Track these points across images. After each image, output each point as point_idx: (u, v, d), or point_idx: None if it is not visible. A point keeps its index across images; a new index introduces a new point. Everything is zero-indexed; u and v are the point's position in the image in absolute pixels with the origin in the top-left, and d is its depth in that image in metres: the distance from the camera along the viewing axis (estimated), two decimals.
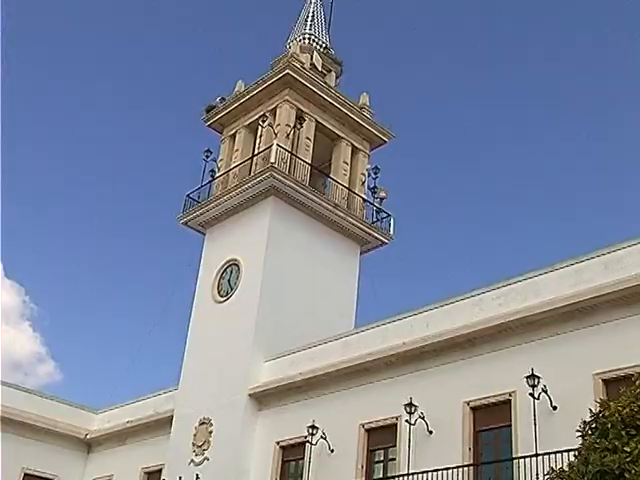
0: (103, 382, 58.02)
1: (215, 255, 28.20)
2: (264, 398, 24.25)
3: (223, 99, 30.55)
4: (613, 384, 15.99)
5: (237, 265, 27.02)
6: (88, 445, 31.04)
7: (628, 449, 7.50)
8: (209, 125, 30.95)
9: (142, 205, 61.02)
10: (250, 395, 24.25)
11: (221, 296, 27.06)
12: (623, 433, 7.80)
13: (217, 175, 29.43)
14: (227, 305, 26.58)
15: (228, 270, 27.36)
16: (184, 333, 27.76)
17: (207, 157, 29.86)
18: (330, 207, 27.70)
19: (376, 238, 28.96)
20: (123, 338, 59.60)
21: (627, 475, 7.30)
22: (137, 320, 60.11)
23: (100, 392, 58.63)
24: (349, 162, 29.54)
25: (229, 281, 27.09)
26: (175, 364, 27.72)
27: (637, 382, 8.48)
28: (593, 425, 8.44)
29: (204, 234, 29.33)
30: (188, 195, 29.48)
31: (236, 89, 30.40)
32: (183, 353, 27.35)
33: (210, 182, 29.41)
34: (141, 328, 60.06)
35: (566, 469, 8.58)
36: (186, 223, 29.40)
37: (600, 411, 8.45)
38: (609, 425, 8.10)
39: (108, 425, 30.54)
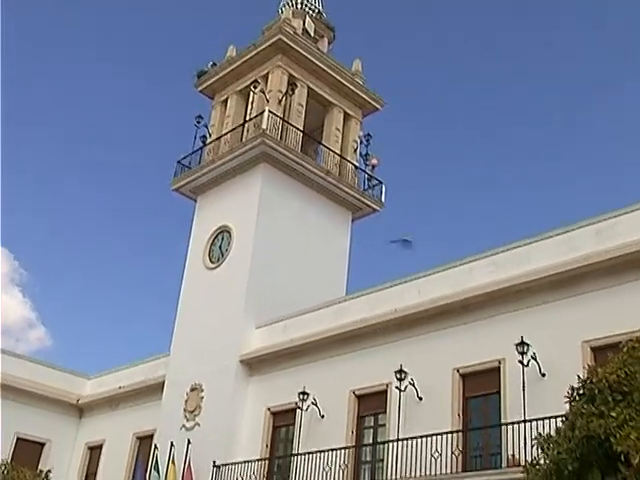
0: (94, 348, 58.20)
1: (206, 221, 28.15)
2: (255, 364, 24.37)
3: (214, 64, 30.28)
4: (601, 351, 16.10)
5: (228, 232, 26.99)
6: (80, 410, 31.19)
7: (614, 414, 7.56)
8: (200, 91, 30.72)
9: (133, 171, 60.80)
10: (241, 361, 24.36)
11: (212, 262, 27.07)
12: (610, 399, 7.86)
13: (208, 141, 29.27)
14: (218, 272, 26.59)
15: (219, 237, 27.33)
16: (175, 299, 27.84)
17: (198, 123, 29.66)
18: (322, 174, 27.62)
19: (367, 205, 28.94)
20: (114, 304, 59.75)
21: (612, 440, 7.37)
22: (128, 286, 60.20)
23: (91, 358, 58.95)
24: (341, 129, 29.41)
25: (220, 248, 27.08)
26: (167, 330, 27.84)
27: (625, 349, 8.53)
28: (581, 391, 8.50)
29: (195, 200, 29.24)
30: (179, 161, 29.37)
31: (228, 54, 30.14)
32: (174, 319, 27.42)
33: (201, 148, 29.26)
34: (132, 294, 60.03)
35: (553, 434, 8.64)
36: (177, 189, 29.29)
37: (588, 377, 8.50)
38: (596, 391, 8.16)
39: (100, 390, 30.66)
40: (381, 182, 29.29)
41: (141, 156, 60.62)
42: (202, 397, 24.63)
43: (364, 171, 29.34)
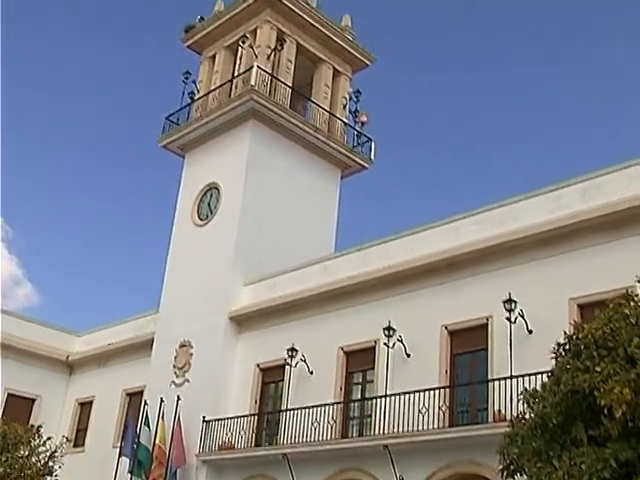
0: (82, 305, 58.20)
1: (195, 179, 28.01)
2: (244, 321, 24.48)
3: (202, 19, 29.85)
4: (588, 308, 16.23)
5: (217, 189, 26.89)
6: (70, 367, 31.35)
7: (599, 369, 7.65)
8: (188, 46, 30.31)
9: (122, 127, 60.28)
10: (230, 318, 24.46)
11: (201, 220, 27.01)
12: (595, 354, 7.94)
13: (196, 97, 28.98)
14: (207, 229, 26.55)
15: (208, 194, 27.24)
16: (164, 256, 27.82)
17: (186, 79, 29.29)
18: (311, 131, 27.45)
19: (356, 162, 28.83)
20: (102, 261, 59.73)
21: (597, 394, 7.46)
22: (116, 243, 60.11)
23: (80, 315, 59.05)
24: (330, 85, 29.16)
25: (209, 205, 27.00)
26: (156, 287, 27.87)
27: (610, 305, 8.59)
28: (566, 347, 8.58)
29: (184, 157, 29.06)
30: (167, 118, 29.11)
31: (215, 9, 29.70)
32: (163, 276, 27.43)
33: (189, 105, 28.97)
34: (120, 251, 59.94)
35: (539, 390, 8.74)
36: (165, 146, 29.08)
37: (574, 333, 8.58)
38: (582, 347, 8.24)
39: (89, 347, 30.78)
40: (370, 139, 29.18)
41: (129, 112, 60.07)
42: (191, 354, 24.76)
43: (353, 128, 29.19)
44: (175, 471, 22.61)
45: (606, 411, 7.34)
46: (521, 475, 8.43)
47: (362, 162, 28.92)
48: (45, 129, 59.88)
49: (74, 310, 58.47)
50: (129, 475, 23.69)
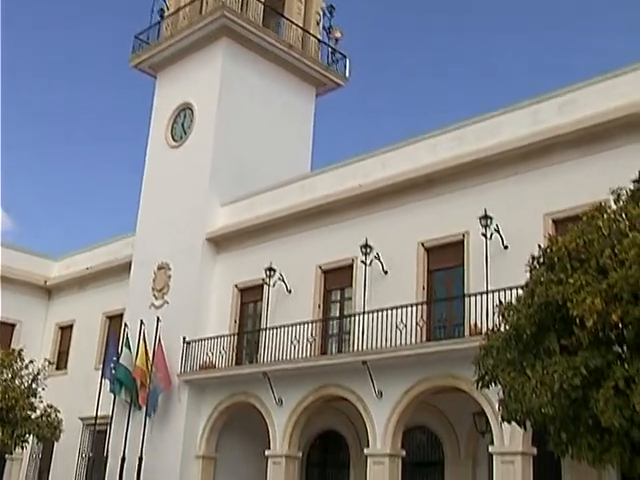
0: (58, 230, 57.86)
1: (167, 99, 27.51)
2: (221, 242, 24.48)
3: None
4: (563, 223, 16.34)
5: (190, 109, 26.47)
6: (48, 291, 31.37)
7: (572, 281, 7.75)
8: None
9: (90, 47, 58.83)
10: (208, 239, 24.44)
11: (175, 141, 26.66)
12: (568, 266, 8.03)
13: (166, 15, 28.22)
14: (181, 150, 26.25)
15: (181, 114, 26.82)
16: (140, 178, 27.54)
17: None
18: (284, 48, 26.92)
19: (331, 80, 28.42)
20: (76, 185, 59.10)
21: (569, 305, 7.58)
22: (91, 166, 59.43)
23: (55, 240, 58.71)
24: (303, 1, 28.47)
25: (183, 125, 26.61)
26: (132, 210, 27.68)
27: (584, 218, 8.65)
28: (541, 260, 8.66)
29: (155, 77, 28.48)
30: (137, 36, 28.38)
31: None
32: (139, 199, 27.22)
33: (159, 22, 28.24)
34: (95, 174, 59.30)
35: (514, 302, 8.85)
36: (136, 66, 28.44)
37: (548, 247, 8.64)
38: (556, 259, 8.32)
39: (67, 272, 30.76)
40: (345, 56, 28.67)
41: (97, 30, 58.54)
42: (170, 276, 24.80)
43: (327, 45, 28.64)
44: (158, 394, 22.93)
45: (578, 321, 7.47)
46: (495, 385, 8.62)
47: (337, 80, 28.50)
48: (13, 54, 58.32)
49: (49, 235, 58.20)
50: (112, 395, 24.04)
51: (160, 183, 26.44)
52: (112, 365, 23.96)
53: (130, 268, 26.51)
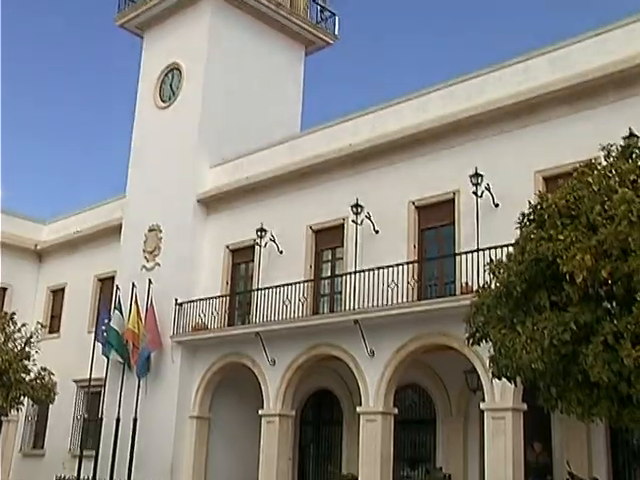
0: (46, 194, 57.52)
1: (155, 59, 27.19)
2: (212, 203, 24.41)
3: None
4: (553, 181, 16.33)
5: (178, 69, 26.18)
6: (39, 255, 31.29)
7: (562, 237, 7.75)
8: None
9: (75, 6, 57.89)
10: (198, 201, 24.36)
11: (163, 102, 26.41)
12: (558, 223, 8.03)
13: None
14: (170, 111, 26.02)
15: (169, 75, 26.52)
16: (128, 141, 27.35)
17: None
18: (272, 6, 26.56)
19: (320, 38, 28.12)
20: (64, 148, 58.62)
21: (559, 261, 7.59)
22: (78, 128, 58.92)
23: (44, 204, 58.37)
24: None
25: (171, 86, 26.34)
26: (121, 172, 27.52)
27: (574, 175, 8.63)
28: (531, 217, 8.66)
29: (142, 37, 28.11)
30: None
31: None
32: (128, 161, 27.05)
33: None
34: (83, 137, 58.82)
35: (504, 259, 8.87)
36: (122, 25, 28.05)
37: (538, 203, 8.63)
38: (546, 216, 8.32)
39: (57, 235, 30.63)
40: (334, 14, 28.33)
41: None
42: (161, 238, 24.76)
43: (316, 2, 28.28)
44: (148, 355, 23.03)
45: (568, 277, 7.49)
46: (486, 342, 8.67)
47: (326, 38, 28.21)
48: None
49: (39, 199, 57.88)
50: (105, 358, 24.15)
51: (149, 144, 26.26)
52: (104, 328, 24.03)
53: (121, 231, 26.44)
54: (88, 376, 24.52)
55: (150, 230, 25.08)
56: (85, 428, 25.00)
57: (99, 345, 24.35)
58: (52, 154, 59.48)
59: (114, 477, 22.68)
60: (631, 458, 17.74)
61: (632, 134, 8.68)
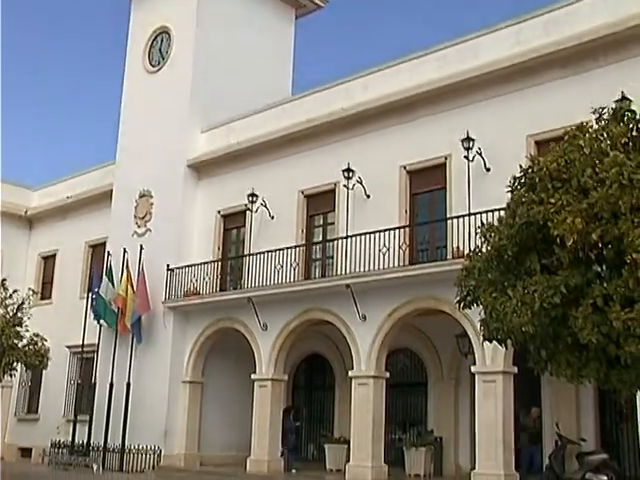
0: (35, 160, 57.14)
1: (144, 23, 26.88)
2: (203, 168, 24.31)
3: None
4: (545, 145, 16.27)
5: (167, 33, 25.90)
6: (29, 221, 31.16)
7: (553, 200, 7.73)
8: None
9: None
10: (189, 166, 24.26)
11: (153, 66, 26.16)
12: (549, 186, 8.01)
13: None
14: (160, 75, 25.78)
15: (158, 38, 26.24)
16: (118, 106, 27.11)
17: None
18: None
19: (311, 1, 27.84)
20: (53, 113, 58.12)
21: (550, 224, 7.58)
22: (67, 93, 58.38)
23: (33, 170, 58.01)
24: None
25: (160, 50, 26.08)
26: (111, 138, 27.34)
27: (565, 138, 8.59)
28: (522, 180, 8.63)
29: (131, 0, 27.73)
30: None
31: None
32: (118, 126, 26.84)
33: None
34: (72, 102, 58.30)
35: (496, 223, 8.86)
36: None
37: (529, 167, 8.60)
38: (537, 180, 8.29)
39: (47, 201, 30.49)
40: None
41: None
42: (152, 203, 24.67)
43: None
44: (139, 318, 23.06)
45: (558, 241, 7.49)
46: (477, 305, 8.69)
47: (317, 1, 27.96)
48: None
49: (27, 164, 57.48)
50: (97, 325, 24.22)
51: (139, 109, 26.05)
52: (94, 296, 24.03)
53: (111, 196, 26.33)
54: (81, 342, 24.60)
55: (141, 196, 24.99)
56: (79, 393, 25.13)
57: (91, 311, 24.37)
58: (40, 120, 59.02)
59: (108, 441, 22.86)
60: (618, 419, 17.99)
61: (624, 97, 8.63)
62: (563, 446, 17.29)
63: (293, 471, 20.45)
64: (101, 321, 23.93)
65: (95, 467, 22.32)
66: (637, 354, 7.19)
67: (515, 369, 16.52)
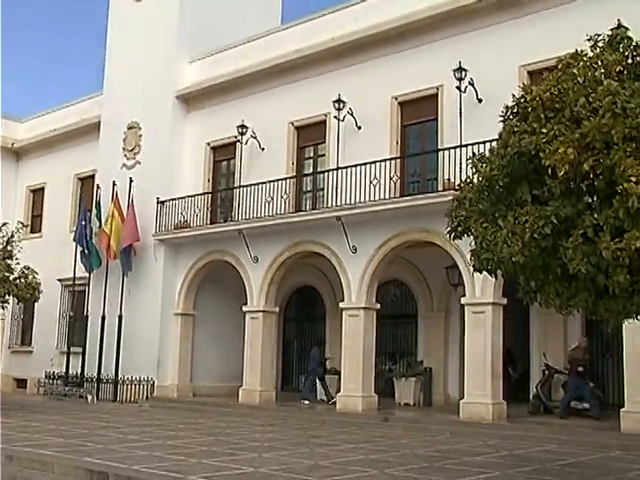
0: (21, 91, 56.22)
1: None
2: (192, 100, 24.00)
3: None
4: (538, 75, 16.04)
5: None
6: (16, 154, 30.82)
7: (545, 130, 7.61)
8: None
9: None
10: (177, 97, 23.95)
11: None
12: (542, 116, 7.88)
13: None
14: (146, 4, 25.20)
15: None
16: (104, 36, 26.54)
17: None
18: None
19: None
20: (39, 45, 57.00)
21: (542, 154, 7.49)
22: (52, 22, 57.19)
23: (19, 101, 57.16)
24: None
25: None
26: (98, 69, 26.86)
27: (559, 66, 8.43)
28: (514, 110, 8.50)
29: None
30: None
31: None
32: (105, 57, 26.35)
33: None
34: (57, 32, 57.15)
35: (487, 154, 8.76)
36: None
37: (522, 96, 8.46)
38: (529, 109, 8.15)
39: (34, 133, 30.09)
40: None
41: None
42: (140, 135, 24.42)
43: None
44: (127, 249, 22.99)
45: (550, 171, 7.42)
46: (468, 236, 8.66)
47: None
48: None
49: (13, 95, 56.64)
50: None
51: (126, 39, 25.54)
52: (83, 229, 23.91)
53: (99, 129, 26.01)
54: (72, 275, 24.64)
55: (129, 128, 24.71)
56: (71, 326, 25.28)
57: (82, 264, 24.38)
58: (27, 50, 57.89)
59: (101, 372, 23.11)
60: (604, 349, 18.26)
61: (620, 25, 8.44)
62: (550, 375, 17.58)
63: (306, 402, 20.09)
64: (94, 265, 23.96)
65: (89, 398, 22.62)
66: (625, 284, 7.20)
67: (505, 300, 16.65)
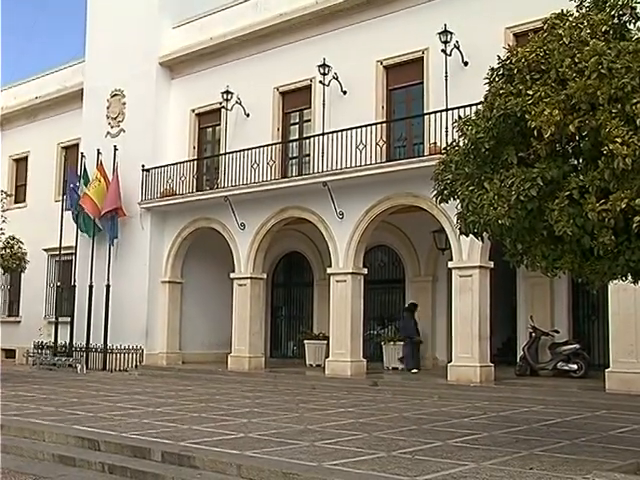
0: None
1: None
2: (176, 66, 23.74)
3: None
4: (524, 37, 15.91)
5: None
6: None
7: (531, 92, 7.57)
8: None
9: None
10: (161, 64, 23.69)
11: None
12: (527, 78, 7.83)
13: None
14: None
15: None
16: (84, 1, 26.11)
17: None
18: None
19: None
20: (17, 14, 56.09)
21: (527, 116, 7.46)
22: None
23: None
24: None
25: None
26: (78, 35, 26.46)
27: (545, 27, 8.37)
28: (500, 72, 8.44)
29: None
30: None
31: None
32: (85, 22, 25.97)
33: None
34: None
35: (473, 116, 8.72)
36: None
37: (507, 58, 8.40)
38: (515, 71, 8.10)
39: (16, 102, 29.64)
40: None
41: None
42: (124, 103, 24.18)
43: None
44: (111, 215, 22.86)
45: (536, 133, 7.40)
46: (454, 199, 8.64)
47: None
48: None
49: None
50: (75, 226, 24.08)
51: (107, 4, 25.13)
52: (72, 197, 23.75)
53: (82, 96, 25.71)
54: (58, 245, 24.52)
55: (113, 95, 24.46)
56: (59, 295, 25.23)
57: (68, 214, 24.18)
58: (6, 15, 56.85)
59: (90, 341, 23.12)
60: (590, 311, 18.41)
61: None
62: (537, 337, 17.73)
63: (414, 370, 19.23)
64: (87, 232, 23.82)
65: (79, 367, 22.64)
66: (610, 245, 7.22)
67: (491, 264, 16.72)
